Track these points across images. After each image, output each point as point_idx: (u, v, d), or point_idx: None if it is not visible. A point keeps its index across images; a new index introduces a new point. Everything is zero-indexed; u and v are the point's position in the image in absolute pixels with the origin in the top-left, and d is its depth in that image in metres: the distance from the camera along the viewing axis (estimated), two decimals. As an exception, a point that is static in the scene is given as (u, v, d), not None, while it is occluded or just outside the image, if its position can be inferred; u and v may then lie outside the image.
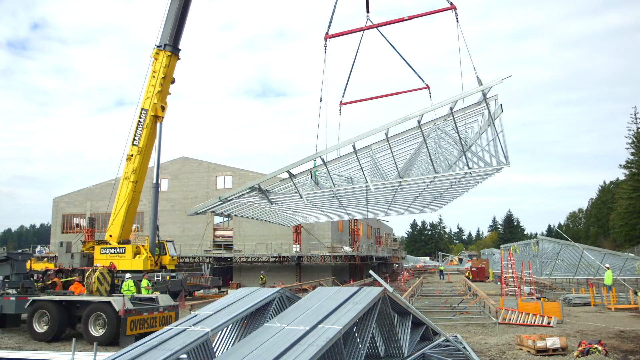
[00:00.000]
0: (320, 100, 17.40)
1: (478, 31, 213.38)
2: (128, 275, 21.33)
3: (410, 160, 17.01)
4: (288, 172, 14.56)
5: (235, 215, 18.93)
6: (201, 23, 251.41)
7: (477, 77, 13.44)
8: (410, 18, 16.85)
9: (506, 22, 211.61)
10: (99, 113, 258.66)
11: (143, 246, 28.78)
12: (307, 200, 16.35)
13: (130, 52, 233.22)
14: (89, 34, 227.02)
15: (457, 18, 15.56)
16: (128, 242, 28.91)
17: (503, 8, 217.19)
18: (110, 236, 28.73)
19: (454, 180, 16.75)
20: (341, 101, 18.52)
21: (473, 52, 14.89)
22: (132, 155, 28.12)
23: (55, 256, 35.19)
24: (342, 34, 17.78)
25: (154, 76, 28.02)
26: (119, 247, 28.12)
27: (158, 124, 28.44)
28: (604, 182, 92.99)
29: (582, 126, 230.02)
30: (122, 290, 19.21)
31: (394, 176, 15.83)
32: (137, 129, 28.11)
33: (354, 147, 14.13)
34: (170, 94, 28.91)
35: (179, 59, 28.64)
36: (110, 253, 28.05)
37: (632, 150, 62.90)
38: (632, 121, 64.36)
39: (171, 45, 27.87)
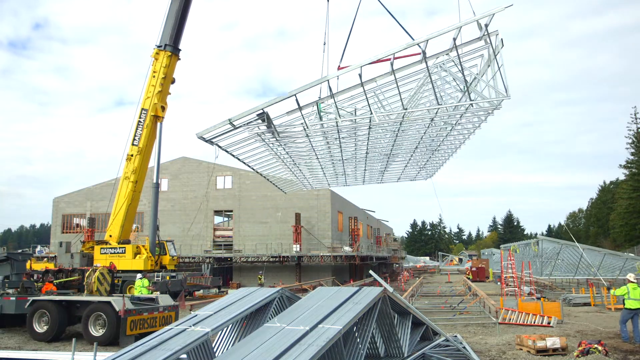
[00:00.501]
0: (324, 44, 17.92)
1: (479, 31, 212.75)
2: (139, 275, 21.50)
3: (414, 96, 16.60)
4: (295, 96, 13.77)
5: (238, 158, 18.23)
6: (202, 23, 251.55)
7: (473, 11, 13.18)
8: None
9: (507, 22, 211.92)
10: (99, 113, 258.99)
11: (143, 246, 28.80)
12: (311, 133, 16.18)
13: (131, 51, 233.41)
14: (89, 33, 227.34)
15: None
16: (128, 242, 28.92)
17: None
18: (110, 236, 28.77)
19: (455, 119, 16.54)
20: (339, 66, 18.73)
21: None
22: (132, 155, 28.14)
23: (55, 256, 35.18)
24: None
25: (154, 76, 28.01)
26: (119, 247, 28.13)
27: (158, 124, 28.47)
28: (604, 182, 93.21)
29: (583, 126, 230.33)
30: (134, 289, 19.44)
31: (397, 116, 15.67)
32: (137, 129, 28.14)
33: (360, 76, 13.53)
34: (170, 94, 28.95)
35: (179, 59, 28.65)
36: (110, 253, 28.07)
37: (632, 150, 62.94)
38: (632, 121, 64.47)
39: (171, 45, 27.84)
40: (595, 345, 11.21)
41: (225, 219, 52.87)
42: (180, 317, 12.46)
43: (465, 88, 13.97)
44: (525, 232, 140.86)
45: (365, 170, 23.86)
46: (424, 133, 18.04)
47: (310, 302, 8.06)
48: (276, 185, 25.21)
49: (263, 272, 38.48)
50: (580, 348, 11.39)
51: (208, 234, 47.47)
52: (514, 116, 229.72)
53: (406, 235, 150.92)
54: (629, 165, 63.52)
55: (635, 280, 13.95)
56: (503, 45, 13.35)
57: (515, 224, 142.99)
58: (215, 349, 8.55)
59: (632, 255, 37.14)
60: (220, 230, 49.92)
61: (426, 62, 13.63)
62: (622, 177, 71.17)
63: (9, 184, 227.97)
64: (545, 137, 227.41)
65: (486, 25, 12.67)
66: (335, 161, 21.52)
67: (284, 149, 18.24)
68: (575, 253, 33.79)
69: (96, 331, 14.52)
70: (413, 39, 13.48)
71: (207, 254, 44.95)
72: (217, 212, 49.23)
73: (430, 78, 14.09)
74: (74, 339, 10.34)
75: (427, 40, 12.72)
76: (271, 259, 43.09)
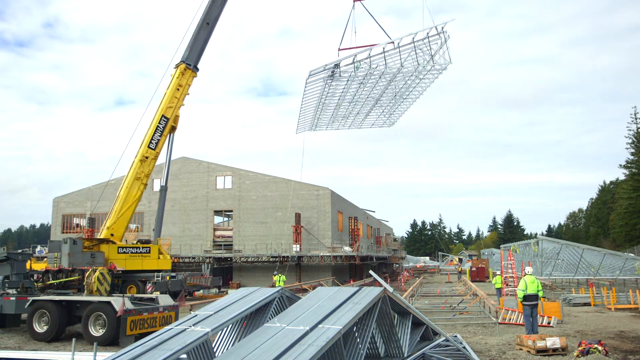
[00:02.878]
0: (354, 32, 24.74)
1: (483, 29, 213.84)
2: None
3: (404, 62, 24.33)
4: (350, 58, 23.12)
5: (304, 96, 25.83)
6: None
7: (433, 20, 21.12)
8: None
9: (512, 20, 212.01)
10: (99, 113, 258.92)
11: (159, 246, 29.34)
12: (354, 76, 24.29)
13: (131, 51, 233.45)
14: (93, 32, 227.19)
15: None
16: (149, 242, 29.31)
17: (509, 7, 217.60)
18: (112, 235, 28.70)
19: (422, 74, 25.11)
20: (339, 47, 24.20)
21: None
22: (146, 158, 28.51)
23: (60, 255, 34.51)
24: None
25: (178, 89, 29.08)
26: (143, 247, 28.62)
27: (171, 134, 29.51)
28: (604, 182, 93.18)
29: (584, 127, 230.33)
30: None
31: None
32: (154, 133, 28.70)
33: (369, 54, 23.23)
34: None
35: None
36: (132, 253, 28.35)
37: (632, 150, 62.82)
38: (632, 121, 64.35)
39: (197, 67, 29.55)
40: (595, 345, 11.21)
41: (225, 219, 52.86)
42: (180, 317, 12.46)
43: (431, 57, 23.32)
44: (525, 232, 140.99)
45: (358, 113, 31.36)
46: (404, 83, 26.56)
47: (310, 302, 8.06)
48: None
49: (277, 272, 33.92)
50: (580, 348, 11.39)
51: (208, 234, 47.48)
52: (514, 116, 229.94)
53: (406, 235, 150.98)
54: (629, 165, 63.44)
55: (531, 273, 15.43)
56: (449, 37, 22.68)
57: (515, 224, 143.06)
58: (215, 349, 8.55)
59: (632, 255, 37.12)
60: (220, 230, 49.91)
61: (414, 44, 23.15)
62: (622, 177, 71.15)
63: (9, 184, 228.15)
64: (546, 137, 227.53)
65: (442, 29, 22.53)
66: (348, 102, 29.40)
67: (329, 90, 26.27)
68: (575, 253, 33.78)
69: (96, 331, 14.52)
70: (390, 38, 23.17)
71: (207, 254, 44.94)
72: (217, 212, 49.23)
73: (415, 49, 23.43)
74: (74, 339, 10.35)
75: (401, 38, 23.18)
76: (271, 259, 43.09)
